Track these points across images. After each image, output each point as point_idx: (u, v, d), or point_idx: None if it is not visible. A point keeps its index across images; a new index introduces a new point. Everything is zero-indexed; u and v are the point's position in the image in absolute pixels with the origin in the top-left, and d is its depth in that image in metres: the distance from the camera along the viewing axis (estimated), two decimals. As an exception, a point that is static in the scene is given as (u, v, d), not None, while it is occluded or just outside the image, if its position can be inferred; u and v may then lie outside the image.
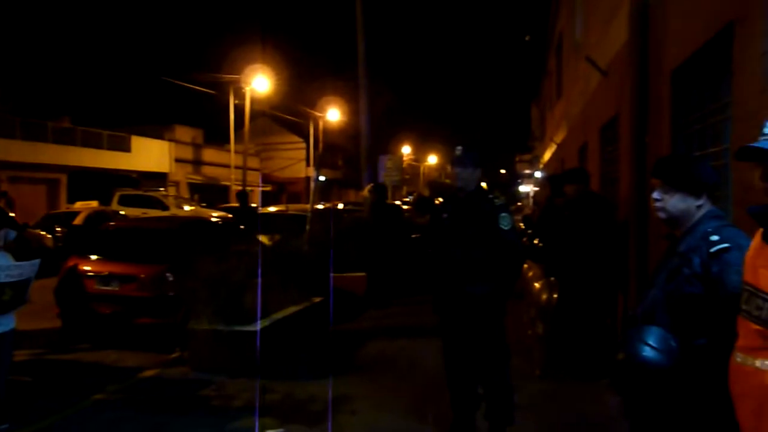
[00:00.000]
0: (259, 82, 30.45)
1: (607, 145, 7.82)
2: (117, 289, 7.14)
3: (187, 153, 34.09)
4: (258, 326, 6.08)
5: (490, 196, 4.37)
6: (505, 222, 4.13)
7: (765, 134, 1.97)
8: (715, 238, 2.35)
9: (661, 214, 2.58)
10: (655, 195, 2.58)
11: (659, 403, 2.45)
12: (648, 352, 2.33)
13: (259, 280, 6.31)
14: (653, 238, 4.80)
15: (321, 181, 28.42)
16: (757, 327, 1.93)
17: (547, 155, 23.15)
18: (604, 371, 5.32)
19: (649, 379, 2.36)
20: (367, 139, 13.37)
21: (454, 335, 4.31)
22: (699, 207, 2.50)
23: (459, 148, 4.29)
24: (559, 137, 16.42)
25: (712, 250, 2.34)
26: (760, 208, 2.01)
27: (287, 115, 38.72)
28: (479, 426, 4.38)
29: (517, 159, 39.31)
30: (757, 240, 2.03)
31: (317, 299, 7.62)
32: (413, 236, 11.66)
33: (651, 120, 5.07)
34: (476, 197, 4.24)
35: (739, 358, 2.02)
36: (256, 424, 4.65)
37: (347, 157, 46.23)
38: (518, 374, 4.98)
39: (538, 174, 28.80)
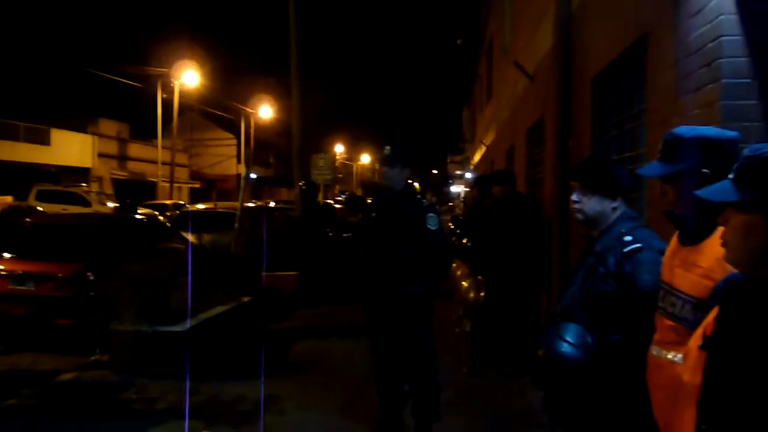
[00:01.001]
0: (189, 77, 29.77)
1: (533, 147, 8.05)
2: (32, 288, 6.81)
3: (112, 147, 32.86)
4: (184, 326, 5.93)
5: (419, 195, 4.42)
6: (432, 222, 4.18)
7: (660, 151, 2.09)
8: (628, 238, 2.46)
9: (579, 216, 2.68)
10: (574, 197, 2.68)
11: (576, 396, 2.54)
12: (565, 347, 2.41)
13: (189, 279, 6.15)
14: (575, 238, 4.98)
15: (252, 179, 28.01)
16: (671, 323, 2.03)
17: (477, 156, 23.62)
18: (529, 367, 5.48)
19: (566, 373, 2.45)
20: (299, 137, 13.24)
21: (382, 334, 4.33)
22: (614, 209, 2.60)
23: (387, 147, 4.32)
24: (488, 139, 16.78)
25: (626, 250, 2.44)
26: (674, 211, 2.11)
27: (217, 111, 37.94)
28: (406, 423, 4.43)
29: (448, 160, 39.98)
30: (674, 241, 2.14)
31: (246, 299, 7.51)
32: (345, 235, 11.66)
33: (574, 124, 5.26)
34: (404, 197, 4.28)
35: (655, 351, 2.11)
36: (185, 425, 4.54)
37: (279, 155, 45.78)
38: (446, 371, 5.06)
39: (468, 175, 29.33)
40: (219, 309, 6.85)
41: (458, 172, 36.61)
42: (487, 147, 17.12)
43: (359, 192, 43.13)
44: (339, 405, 5.08)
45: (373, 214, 4.41)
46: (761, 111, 2.37)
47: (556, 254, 5.48)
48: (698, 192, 1.40)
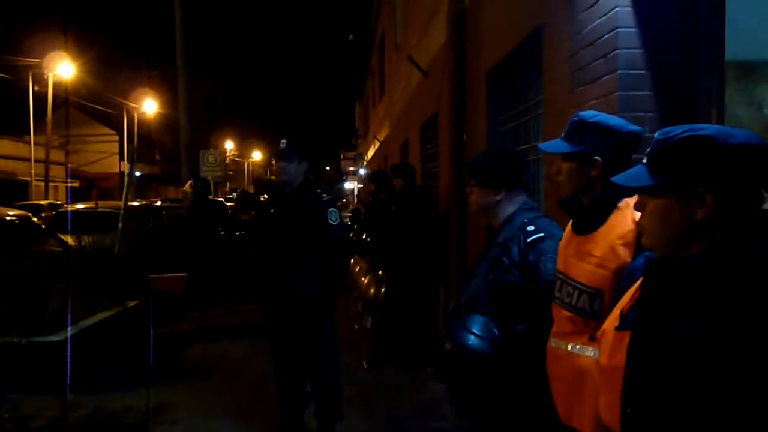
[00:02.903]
0: (64, 68, 27.89)
1: (428, 142, 8.13)
2: None
3: (-25, 144, 30.22)
4: (62, 335, 5.48)
5: (318, 190, 4.30)
6: (333, 217, 4.07)
7: (565, 131, 2.10)
8: (531, 228, 2.48)
9: (473, 208, 2.71)
10: (468, 190, 2.70)
11: (483, 389, 2.53)
12: (472, 340, 2.38)
13: (67, 284, 5.69)
14: (471, 230, 5.04)
15: (136, 177, 26.65)
16: (568, 313, 2.03)
17: (370, 152, 23.71)
18: (428, 360, 5.51)
19: (474, 366, 2.42)
20: (187, 133, 12.67)
21: (283, 334, 4.18)
22: (498, 202, 2.60)
23: (283, 141, 4.14)
24: (382, 135, 16.86)
25: (529, 239, 2.45)
26: (569, 200, 2.12)
27: (97, 105, 35.80)
28: (308, 424, 4.30)
29: (341, 156, 39.97)
30: (567, 230, 2.14)
31: (132, 303, 7.07)
32: (238, 233, 11.33)
33: (468, 118, 5.32)
34: (304, 192, 4.14)
35: (553, 343, 2.11)
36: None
37: (165, 152, 43.92)
38: (346, 368, 4.97)
39: (362, 171, 29.43)
40: (102, 315, 6.40)
41: (351, 169, 36.67)
42: (381, 142, 17.20)
43: (251, 189, 42.20)
44: (235, 409, 4.87)
45: (272, 210, 4.23)
46: (655, 101, 2.46)
47: (453, 247, 5.53)
48: (613, 178, 1.38)
